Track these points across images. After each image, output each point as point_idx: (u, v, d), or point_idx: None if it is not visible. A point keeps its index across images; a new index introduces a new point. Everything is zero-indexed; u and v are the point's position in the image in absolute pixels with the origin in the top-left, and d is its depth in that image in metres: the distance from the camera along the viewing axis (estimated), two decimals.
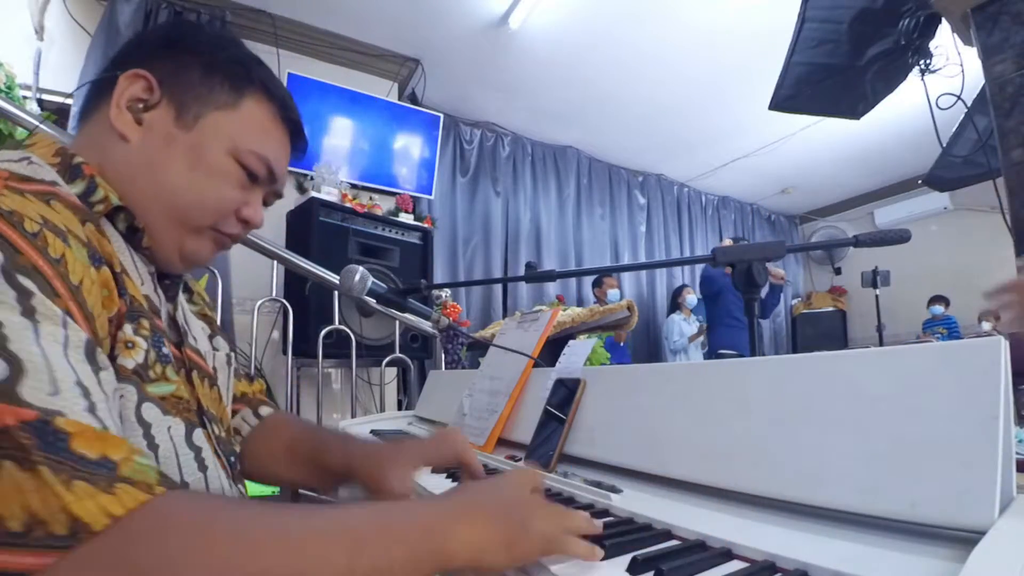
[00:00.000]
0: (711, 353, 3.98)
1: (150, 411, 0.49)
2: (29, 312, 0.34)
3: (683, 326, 4.36)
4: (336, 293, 2.18)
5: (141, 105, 0.54)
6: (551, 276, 1.10)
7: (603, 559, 0.46)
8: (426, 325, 2.22)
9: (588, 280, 4.54)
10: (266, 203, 0.63)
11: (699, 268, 5.32)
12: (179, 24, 0.62)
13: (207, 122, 0.55)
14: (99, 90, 0.55)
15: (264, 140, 0.58)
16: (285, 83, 3.23)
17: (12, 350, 0.32)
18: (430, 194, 3.70)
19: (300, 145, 0.64)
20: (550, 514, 0.45)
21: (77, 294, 0.39)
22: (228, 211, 0.58)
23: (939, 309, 4.95)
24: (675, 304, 4.52)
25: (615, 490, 0.61)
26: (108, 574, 0.29)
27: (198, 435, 0.55)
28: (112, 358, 0.45)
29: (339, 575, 0.35)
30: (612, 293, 4.00)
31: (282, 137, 0.61)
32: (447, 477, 0.77)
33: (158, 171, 0.53)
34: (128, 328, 0.47)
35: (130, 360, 0.47)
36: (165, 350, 0.52)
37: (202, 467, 0.54)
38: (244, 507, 0.40)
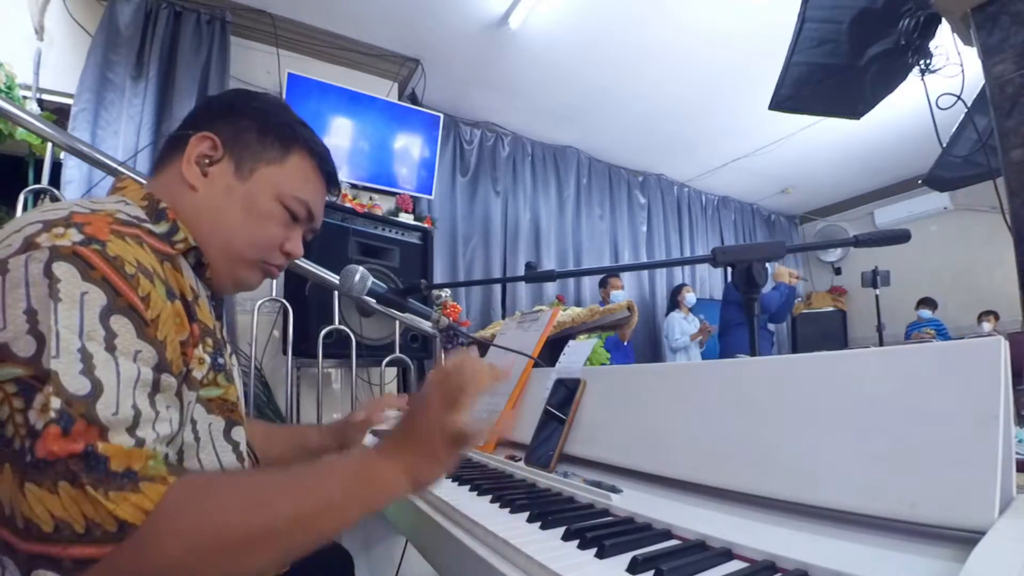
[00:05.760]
0: (724, 355, 3.98)
1: (199, 411, 0.59)
2: (111, 349, 0.44)
3: (683, 324, 4.36)
4: (336, 293, 2.17)
5: (207, 161, 0.65)
6: (551, 276, 1.10)
7: (602, 559, 0.46)
8: (426, 325, 2.21)
9: (588, 280, 4.54)
10: (305, 239, 0.74)
11: (699, 268, 5.33)
12: (239, 93, 0.73)
13: (259, 175, 0.66)
14: (173, 145, 0.67)
15: (305, 187, 0.70)
16: (285, 83, 3.22)
17: (97, 376, 0.42)
18: (430, 194, 3.70)
19: (334, 190, 0.76)
20: (449, 414, 0.54)
21: (154, 326, 0.49)
22: (274, 247, 0.70)
23: (927, 313, 4.95)
24: (674, 303, 4.52)
25: (615, 490, 0.61)
26: (152, 550, 0.40)
27: (237, 431, 0.65)
28: (188, 370, 0.56)
29: (287, 517, 0.46)
30: (616, 294, 3.97)
31: (319, 184, 0.73)
32: None
33: (220, 216, 0.65)
34: (200, 348, 0.58)
35: (199, 372, 0.58)
36: (220, 360, 0.62)
37: (240, 459, 0.65)
38: (228, 477, 0.49)
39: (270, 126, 0.68)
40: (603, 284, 4.15)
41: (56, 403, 0.40)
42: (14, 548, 0.39)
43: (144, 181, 0.66)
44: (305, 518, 0.47)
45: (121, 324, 0.45)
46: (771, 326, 4.27)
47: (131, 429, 0.43)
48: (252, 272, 0.70)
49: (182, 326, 0.54)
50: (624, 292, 4.08)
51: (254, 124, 0.67)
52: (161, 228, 0.59)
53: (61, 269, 0.44)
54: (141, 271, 0.49)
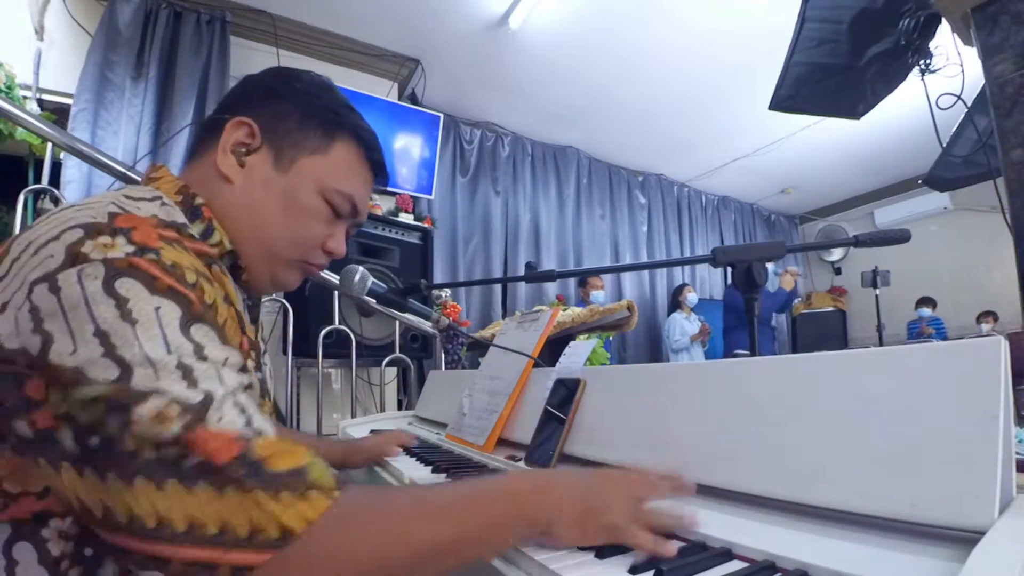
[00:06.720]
0: (727, 353, 4.00)
1: None
2: (203, 359, 0.42)
3: (685, 325, 4.36)
4: (336, 293, 2.17)
5: (244, 149, 0.59)
6: (551, 276, 1.10)
7: (603, 559, 0.46)
8: (426, 325, 2.21)
9: None
10: (348, 234, 0.68)
11: (700, 268, 5.33)
12: (280, 73, 0.69)
13: (300, 165, 0.60)
14: (207, 131, 0.61)
15: (350, 179, 0.64)
16: None
17: (203, 387, 0.41)
18: (430, 194, 3.70)
19: (382, 181, 0.70)
20: (626, 505, 0.49)
21: (224, 331, 0.47)
22: (316, 245, 0.64)
23: (927, 311, 4.97)
24: (676, 303, 4.52)
25: None
26: (306, 566, 0.39)
27: None
28: None
29: (442, 542, 0.43)
30: (596, 294, 3.98)
31: (366, 175, 0.66)
32: (432, 471, 0.85)
33: (256, 212, 0.59)
34: (250, 361, 0.55)
35: None
36: (260, 374, 0.59)
37: None
38: (389, 497, 0.48)
39: (313, 110, 0.62)
40: (582, 284, 4.10)
41: (175, 411, 0.38)
42: (166, 559, 0.37)
43: (139, 179, 0.63)
44: (458, 542, 0.45)
45: (202, 333, 0.43)
46: (773, 321, 4.29)
47: (248, 425, 0.42)
48: (291, 272, 0.65)
49: (236, 332, 0.52)
50: (602, 293, 4.06)
51: (296, 109, 0.61)
52: (196, 228, 0.55)
53: (125, 286, 0.41)
54: (203, 277, 0.47)
